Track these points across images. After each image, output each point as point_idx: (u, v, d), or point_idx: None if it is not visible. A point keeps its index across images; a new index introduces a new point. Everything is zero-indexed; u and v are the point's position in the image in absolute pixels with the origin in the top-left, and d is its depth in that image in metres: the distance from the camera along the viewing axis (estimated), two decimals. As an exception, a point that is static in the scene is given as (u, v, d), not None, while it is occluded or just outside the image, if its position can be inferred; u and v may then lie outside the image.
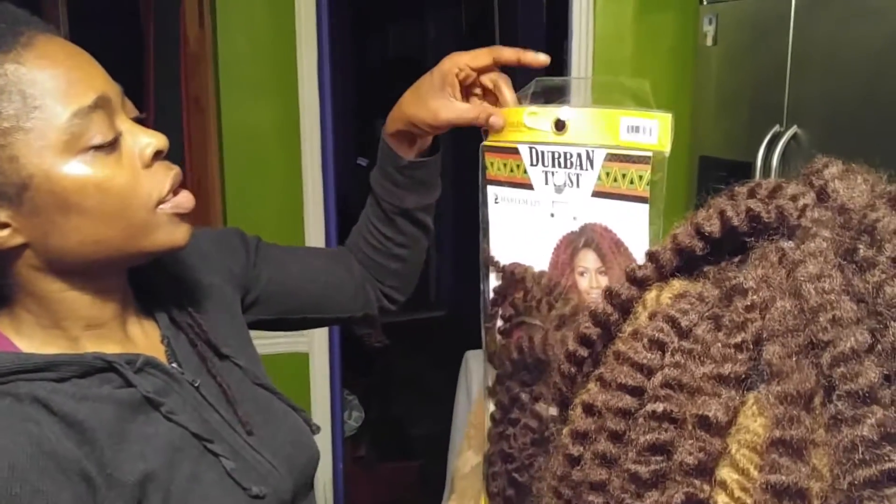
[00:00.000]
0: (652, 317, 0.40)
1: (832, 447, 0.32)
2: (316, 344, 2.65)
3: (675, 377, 0.36)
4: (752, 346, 0.35)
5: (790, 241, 0.38)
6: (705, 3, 2.35)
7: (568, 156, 0.88)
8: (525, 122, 0.91)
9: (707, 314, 0.38)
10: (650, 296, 0.43)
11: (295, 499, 0.92)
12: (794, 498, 0.32)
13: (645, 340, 0.39)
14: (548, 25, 3.79)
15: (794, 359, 0.34)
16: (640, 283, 0.44)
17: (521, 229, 0.94)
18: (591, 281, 0.90)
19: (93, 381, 0.78)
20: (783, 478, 0.32)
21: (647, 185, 0.84)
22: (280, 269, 1.09)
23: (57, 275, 0.80)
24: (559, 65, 3.02)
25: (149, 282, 0.92)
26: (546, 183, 0.90)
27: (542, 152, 0.89)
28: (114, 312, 0.85)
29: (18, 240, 0.76)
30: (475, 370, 2.22)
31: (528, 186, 0.91)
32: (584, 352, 0.46)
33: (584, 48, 2.58)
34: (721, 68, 2.28)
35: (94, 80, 0.77)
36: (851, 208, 0.39)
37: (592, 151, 0.86)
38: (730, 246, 0.43)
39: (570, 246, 0.91)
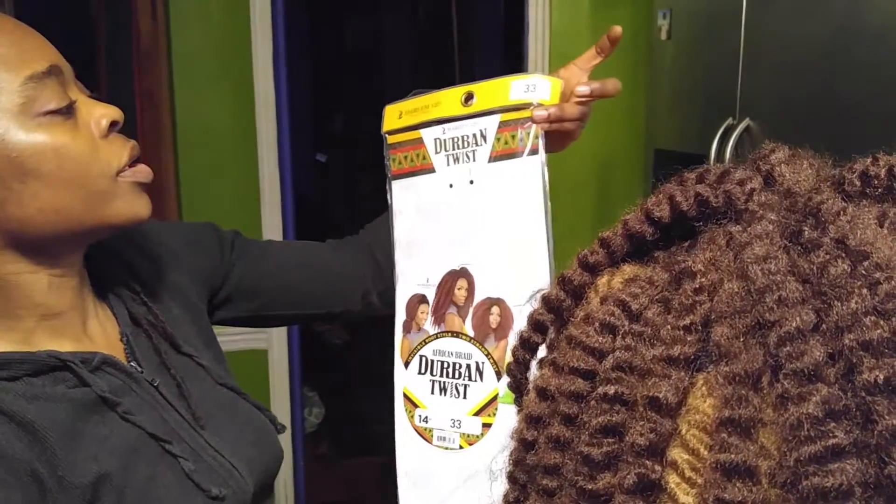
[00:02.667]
0: (603, 301, 0.40)
1: (779, 425, 0.33)
2: (275, 340, 2.63)
3: (625, 360, 0.37)
4: (700, 328, 0.36)
5: (738, 225, 0.39)
6: (659, -3, 2.38)
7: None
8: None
9: (657, 297, 0.38)
10: (602, 281, 0.43)
11: (255, 499, 0.91)
12: (744, 476, 0.33)
13: (596, 324, 0.39)
14: (506, 19, 3.80)
15: (741, 339, 0.34)
16: (592, 269, 0.44)
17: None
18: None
19: (46, 380, 0.76)
20: (732, 456, 0.33)
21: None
22: (254, 266, 1.07)
23: (14, 252, 0.77)
24: (517, 59, 3.03)
25: (109, 274, 0.89)
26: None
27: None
28: (71, 302, 0.82)
29: None
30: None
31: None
32: (537, 338, 0.46)
33: (540, 43, 2.59)
34: (675, 62, 2.31)
35: (45, 50, 0.77)
36: (797, 192, 0.39)
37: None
38: (679, 231, 0.43)
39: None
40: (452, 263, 0.97)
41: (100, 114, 0.79)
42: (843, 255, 0.34)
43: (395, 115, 1.02)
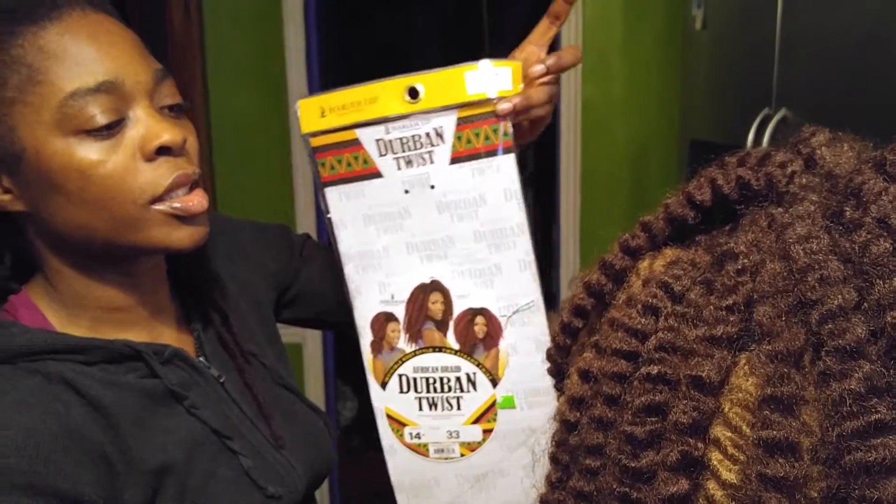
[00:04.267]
0: (645, 284, 0.41)
1: (821, 402, 0.33)
2: (309, 335, 2.65)
3: (668, 340, 0.37)
4: (743, 308, 0.36)
5: (779, 207, 0.39)
6: (693, -13, 2.36)
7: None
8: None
9: (699, 279, 0.39)
10: (643, 265, 0.43)
11: (303, 500, 0.92)
12: (786, 452, 0.33)
13: (639, 306, 0.39)
14: (537, 10, 3.79)
15: (783, 318, 0.35)
16: (634, 253, 0.44)
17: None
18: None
19: (119, 368, 0.78)
20: (775, 433, 0.33)
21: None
22: (321, 269, 1.07)
23: (62, 251, 0.78)
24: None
25: (187, 273, 0.90)
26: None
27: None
28: (137, 299, 0.83)
29: (19, 206, 0.75)
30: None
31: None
32: (578, 323, 0.47)
33: (573, 33, 2.58)
34: (710, 52, 2.29)
35: (108, 62, 0.73)
36: (838, 174, 0.40)
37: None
38: (721, 215, 0.43)
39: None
40: (421, 277, 0.91)
41: (150, 135, 0.75)
42: (885, 233, 0.34)
43: (315, 113, 0.90)
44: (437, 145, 0.87)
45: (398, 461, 0.98)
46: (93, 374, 0.75)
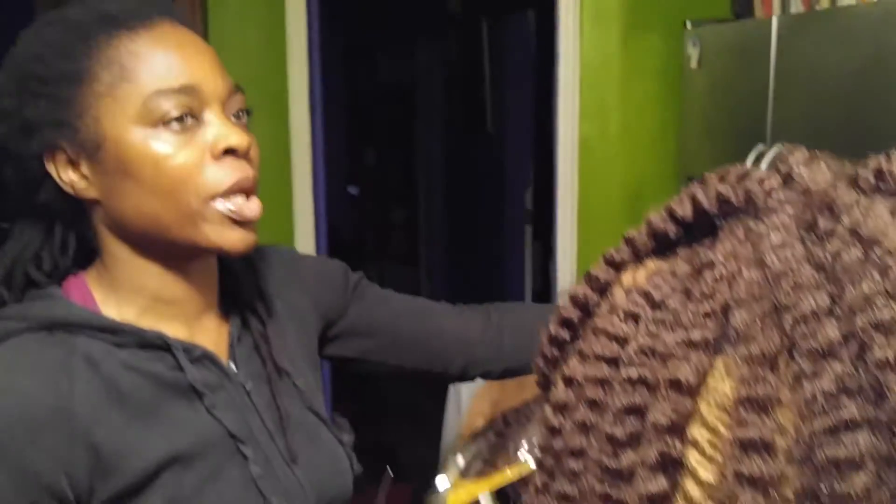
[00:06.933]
0: (627, 292, 0.42)
1: (795, 403, 0.34)
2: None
3: (648, 345, 0.39)
4: (720, 314, 0.38)
5: (756, 220, 0.41)
6: (689, 26, 2.40)
7: None
8: None
9: (679, 287, 0.40)
10: (626, 276, 0.45)
11: None
12: (761, 451, 0.34)
13: (620, 313, 0.41)
14: (537, 52, 3.84)
15: (758, 323, 0.36)
16: (618, 266, 0.46)
17: None
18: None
19: (148, 356, 0.83)
20: (750, 433, 0.34)
21: None
22: (370, 310, 1.10)
23: (124, 238, 0.85)
24: (548, 90, 3.06)
25: (237, 280, 0.95)
26: None
27: None
28: (184, 294, 0.88)
29: (93, 193, 0.83)
30: (464, 388, 2.24)
31: None
32: (565, 334, 0.48)
33: (571, 73, 2.63)
34: (706, 90, 2.33)
35: (191, 70, 0.82)
36: (814, 189, 0.41)
37: None
38: (701, 230, 0.45)
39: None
40: None
41: (219, 136, 0.82)
42: (856, 242, 0.36)
43: None
44: None
45: None
46: (120, 356, 0.82)
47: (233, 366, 0.91)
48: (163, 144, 0.80)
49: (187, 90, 0.81)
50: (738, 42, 2.15)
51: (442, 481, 0.90)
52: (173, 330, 0.87)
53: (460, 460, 0.92)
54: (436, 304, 1.15)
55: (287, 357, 0.96)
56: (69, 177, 0.82)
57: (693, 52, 2.31)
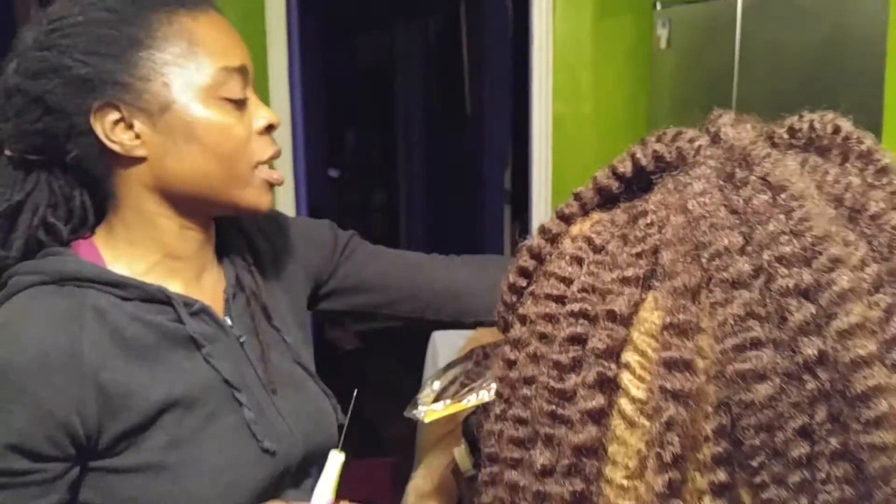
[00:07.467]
0: (573, 240, 0.48)
1: (712, 328, 0.40)
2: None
3: (590, 283, 0.44)
4: (651, 255, 0.43)
5: (685, 173, 0.46)
6: (659, 7, 2.46)
7: None
8: None
9: (617, 234, 0.46)
10: (574, 228, 0.50)
11: (299, 469, 1.00)
12: (683, 369, 0.40)
13: (567, 257, 0.46)
14: (513, 29, 3.89)
15: (682, 260, 0.41)
16: (567, 219, 0.51)
17: None
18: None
19: (151, 308, 0.90)
20: (673, 354, 0.40)
21: None
22: (360, 267, 1.16)
23: (161, 197, 0.91)
24: (521, 70, 3.11)
25: (231, 242, 1.03)
26: None
27: None
28: (193, 252, 0.96)
29: (142, 152, 0.89)
30: (441, 349, 2.30)
31: None
32: (522, 282, 0.53)
33: (544, 52, 2.67)
34: (675, 70, 2.38)
35: (242, 53, 0.94)
36: (737, 146, 0.47)
37: None
38: (640, 185, 0.50)
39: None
40: None
41: (263, 114, 0.94)
42: (766, 188, 0.41)
43: None
44: None
45: None
46: (125, 308, 0.89)
47: (228, 320, 0.98)
48: (228, 115, 0.90)
49: (242, 70, 0.92)
50: (705, 22, 2.21)
51: (421, 398, 0.96)
52: (175, 286, 0.94)
53: (437, 385, 0.99)
54: (426, 257, 1.22)
55: (277, 315, 1.03)
56: (118, 135, 0.88)
57: (662, 33, 2.37)
